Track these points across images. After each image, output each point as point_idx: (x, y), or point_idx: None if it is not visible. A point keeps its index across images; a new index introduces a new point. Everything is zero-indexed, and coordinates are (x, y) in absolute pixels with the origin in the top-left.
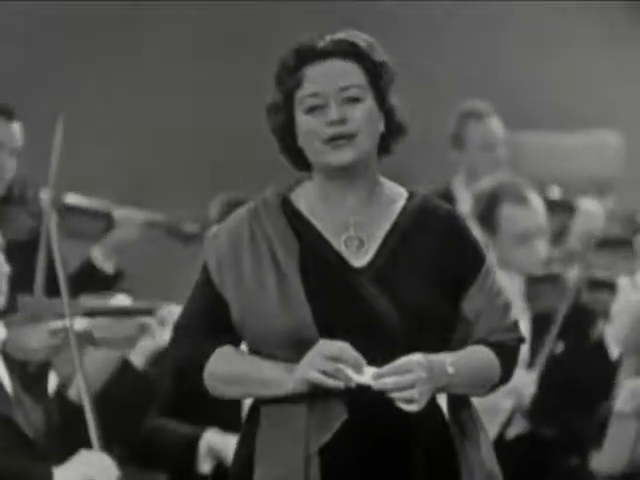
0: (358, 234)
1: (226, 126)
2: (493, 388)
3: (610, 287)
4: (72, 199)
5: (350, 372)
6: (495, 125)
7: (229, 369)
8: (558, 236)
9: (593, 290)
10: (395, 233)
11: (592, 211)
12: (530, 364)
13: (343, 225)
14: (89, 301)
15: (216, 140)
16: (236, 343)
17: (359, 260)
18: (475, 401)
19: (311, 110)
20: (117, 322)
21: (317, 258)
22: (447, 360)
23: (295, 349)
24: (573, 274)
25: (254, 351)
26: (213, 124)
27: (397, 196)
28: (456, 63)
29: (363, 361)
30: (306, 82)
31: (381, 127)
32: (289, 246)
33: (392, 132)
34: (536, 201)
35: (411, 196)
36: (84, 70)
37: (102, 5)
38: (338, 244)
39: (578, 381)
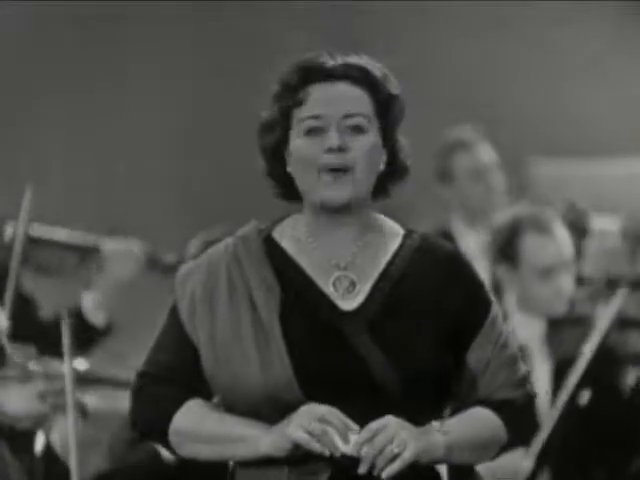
0: (349, 274)
1: (209, 164)
2: (501, 451)
3: None
4: (39, 231)
5: (337, 439)
6: (484, 152)
7: (197, 425)
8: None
9: (623, 330)
10: (390, 274)
11: (606, 230)
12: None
13: (332, 264)
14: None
15: (197, 175)
16: (207, 395)
17: (349, 303)
18: (493, 464)
19: (309, 133)
20: (114, 391)
21: (302, 304)
22: (433, 423)
23: (274, 410)
24: (601, 315)
25: (227, 408)
26: (194, 156)
27: (393, 234)
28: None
29: (355, 427)
30: (308, 102)
31: (382, 165)
32: (270, 293)
33: (393, 173)
34: (561, 232)
35: (408, 235)
36: (56, 93)
37: (83, 30)
38: (326, 286)
39: (607, 434)
